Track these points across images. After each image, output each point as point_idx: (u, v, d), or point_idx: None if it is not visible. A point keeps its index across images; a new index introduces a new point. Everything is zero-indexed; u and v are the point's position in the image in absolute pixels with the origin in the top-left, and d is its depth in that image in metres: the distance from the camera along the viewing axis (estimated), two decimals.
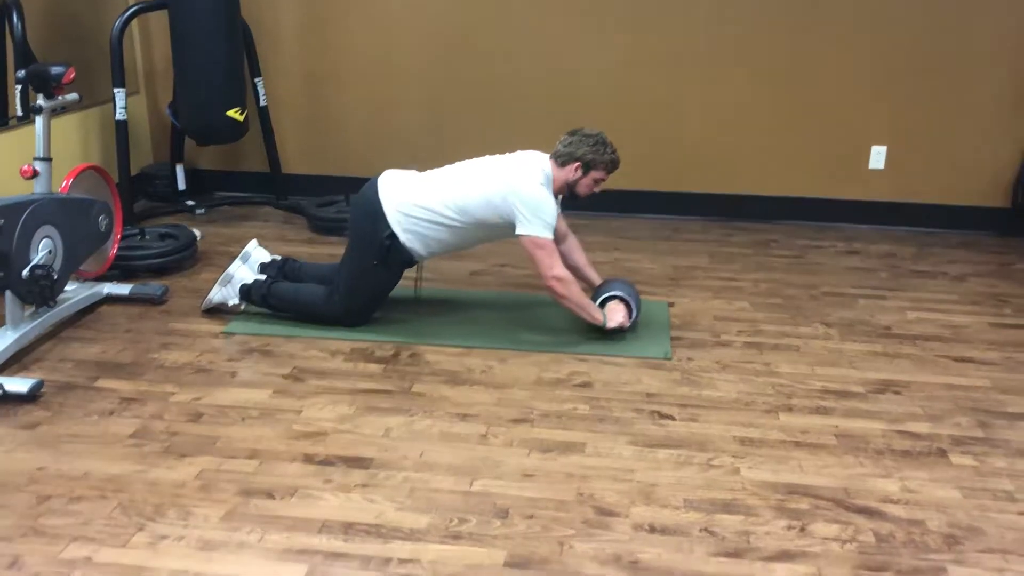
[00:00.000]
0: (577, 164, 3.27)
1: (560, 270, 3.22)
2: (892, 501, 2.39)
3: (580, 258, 3.56)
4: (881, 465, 2.56)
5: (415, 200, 3.24)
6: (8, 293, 3.07)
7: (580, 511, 2.32)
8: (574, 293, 3.25)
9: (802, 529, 2.26)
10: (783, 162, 4.82)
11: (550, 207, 3.20)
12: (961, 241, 4.65)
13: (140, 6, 4.49)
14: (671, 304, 3.71)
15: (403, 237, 3.24)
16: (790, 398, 2.94)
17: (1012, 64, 4.50)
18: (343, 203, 4.71)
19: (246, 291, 3.45)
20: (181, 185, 4.98)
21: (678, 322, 3.53)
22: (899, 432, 2.74)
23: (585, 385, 3.01)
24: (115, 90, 4.42)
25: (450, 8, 4.79)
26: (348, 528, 2.24)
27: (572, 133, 3.32)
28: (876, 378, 3.09)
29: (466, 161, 3.39)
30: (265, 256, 3.57)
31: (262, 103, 4.88)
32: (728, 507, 2.35)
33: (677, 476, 2.48)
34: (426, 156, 5.02)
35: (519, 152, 3.36)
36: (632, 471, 2.50)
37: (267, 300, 3.44)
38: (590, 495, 2.39)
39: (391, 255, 3.27)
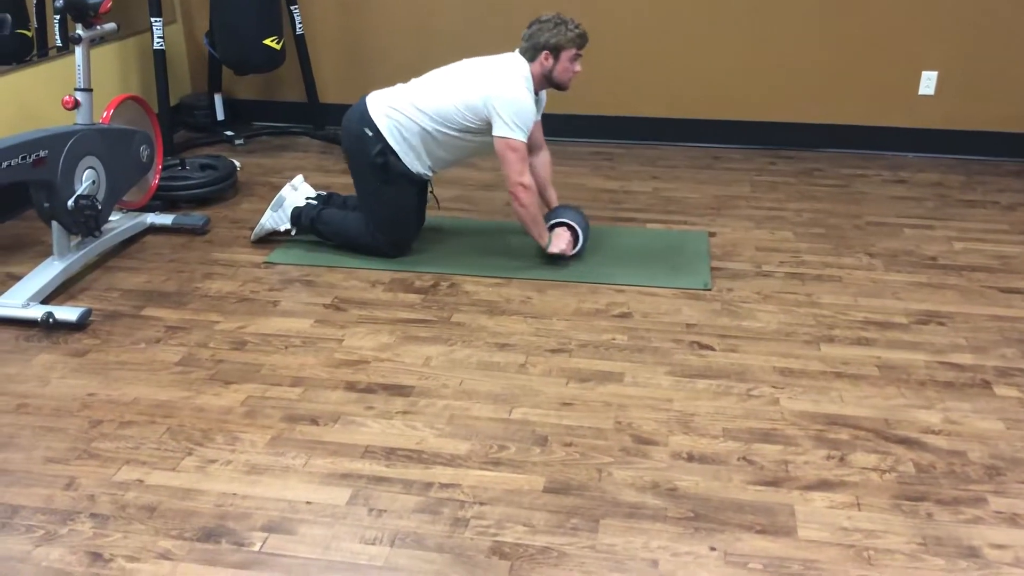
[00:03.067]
0: (545, 52, 3.20)
1: (528, 178, 3.20)
2: (933, 432, 2.37)
3: (545, 174, 3.54)
4: (923, 396, 2.54)
5: (399, 107, 3.23)
6: (54, 223, 3.12)
7: (618, 439, 2.34)
8: (533, 204, 3.25)
9: (841, 459, 2.26)
10: (828, 89, 4.69)
11: (528, 112, 3.16)
12: (1012, 169, 4.52)
13: None
14: (712, 234, 3.67)
15: (397, 149, 3.24)
16: (831, 329, 2.91)
17: None
18: None
19: (297, 214, 3.48)
20: (220, 115, 4.98)
21: (719, 252, 3.50)
22: (942, 363, 2.71)
23: (624, 316, 3.00)
24: (152, 19, 4.40)
25: None
26: (390, 453, 2.28)
27: (528, 26, 3.25)
28: (920, 309, 3.05)
29: (448, 66, 3.35)
30: (311, 191, 3.58)
31: (299, 31, 4.83)
32: (767, 437, 2.35)
33: (716, 406, 2.49)
34: None
35: (501, 54, 3.30)
36: (670, 400, 2.51)
37: (315, 224, 3.46)
38: (628, 424, 2.40)
39: (389, 172, 3.27)
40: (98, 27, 3.32)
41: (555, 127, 4.99)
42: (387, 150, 3.24)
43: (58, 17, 3.98)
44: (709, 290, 3.18)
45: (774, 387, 2.58)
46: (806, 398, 2.53)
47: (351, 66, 5.07)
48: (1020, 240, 3.63)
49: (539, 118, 3.38)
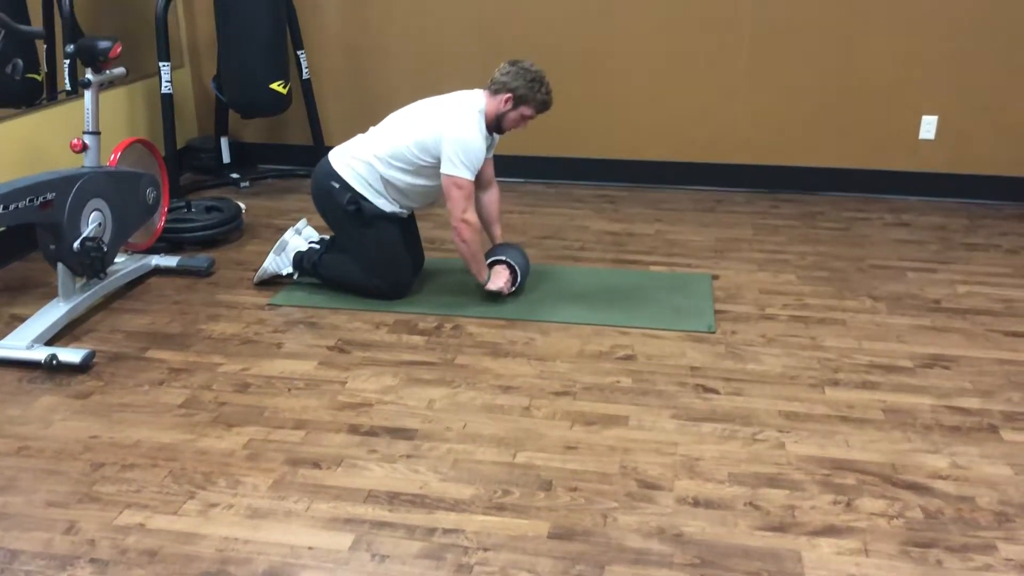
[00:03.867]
0: (509, 96, 3.25)
1: (471, 215, 3.24)
2: (941, 477, 2.35)
3: (493, 211, 3.57)
4: (929, 440, 2.52)
5: (358, 155, 3.30)
6: (60, 265, 3.13)
7: (623, 484, 2.32)
8: (475, 242, 3.29)
9: (848, 504, 2.24)
10: (830, 133, 4.73)
11: (477, 151, 3.20)
12: (1014, 213, 4.54)
13: None
14: (715, 277, 3.68)
15: (365, 193, 3.29)
16: (836, 372, 2.90)
17: None
18: None
19: (299, 259, 3.50)
20: (226, 158, 5.03)
21: (722, 295, 3.50)
22: (948, 407, 2.70)
23: (628, 358, 3.00)
24: (161, 64, 4.46)
25: None
26: (393, 498, 2.26)
27: (512, 63, 3.29)
28: (925, 352, 3.04)
29: (403, 108, 3.40)
30: (315, 235, 3.62)
31: (305, 76, 4.89)
32: (773, 481, 2.33)
33: (721, 450, 2.47)
34: None
35: (456, 92, 3.35)
36: (676, 444, 2.50)
37: (317, 269, 3.48)
38: (633, 468, 2.39)
39: (364, 215, 3.31)
40: (108, 72, 3.37)
41: (559, 170, 5.04)
42: (357, 196, 3.30)
43: (68, 61, 4.03)
44: (713, 333, 3.17)
45: (779, 431, 2.56)
46: (812, 442, 2.51)
47: (356, 110, 5.12)
48: (1023, 283, 3.63)
49: (490, 156, 3.42)
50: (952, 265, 3.83)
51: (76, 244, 3.09)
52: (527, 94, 3.24)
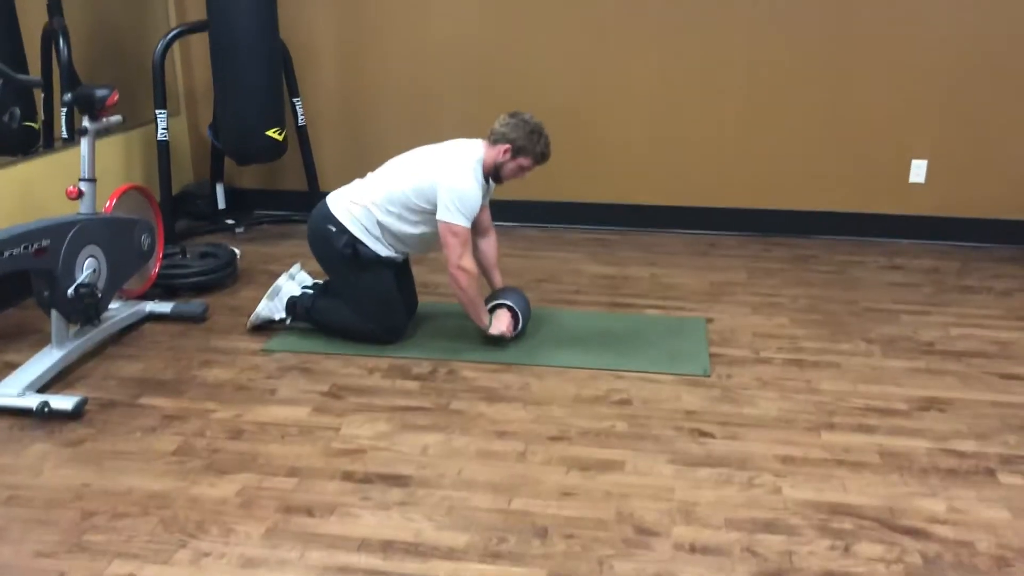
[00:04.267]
0: (507, 147, 3.27)
1: (468, 261, 3.24)
2: (939, 521, 2.34)
3: (491, 257, 3.58)
4: (927, 484, 2.51)
5: (356, 199, 3.32)
6: (54, 312, 3.13)
7: (620, 530, 2.30)
8: (472, 289, 3.29)
9: (846, 549, 2.22)
10: (822, 177, 4.77)
11: (473, 198, 3.21)
12: (1007, 255, 4.56)
13: (182, 29, 4.58)
14: (709, 320, 3.68)
15: (361, 237, 3.31)
16: (832, 416, 2.90)
17: None
18: None
19: (292, 304, 3.50)
20: (221, 204, 5.04)
21: (717, 338, 3.50)
22: (944, 450, 2.69)
23: (624, 402, 2.99)
24: (157, 111, 4.50)
25: (483, 28, 4.82)
26: (387, 546, 2.24)
27: (512, 115, 3.33)
28: (920, 395, 3.04)
29: (402, 155, 3.43)
30: (308, 279, 3.63)
31: (300, 123, 4.94)
32: (770, 526, 2.31)
33: (718, 495, 2.45)
34: None
35: (455, 140, 3.39)
36: (672, 490, 2.48)
37: (310, 314, 3.48)
38: (630, 514, 2.37)
39: (360, 259, 3.32)
40: (104, 119, 3.39)
41: (553, 214, 5.07)
42: (353, 240, 3.30)
43: (66, 109, 4.06)
44: (708, 376, 3.17)
45: (776, 475, 2.55)
46: (808, 486, 2.50)
47: (352, 156, 5.16)
48: (1017, 326, 3.64)
49: (487, 203, 3.44)
50: (945, 308, 3.84)
51: (70, 291, 3.09)
52: (526, 145, 3.28)
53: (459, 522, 2.34)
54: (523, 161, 3.31)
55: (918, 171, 4.68)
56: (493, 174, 3.33)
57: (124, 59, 4.64)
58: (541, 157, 3.34)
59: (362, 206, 3.31)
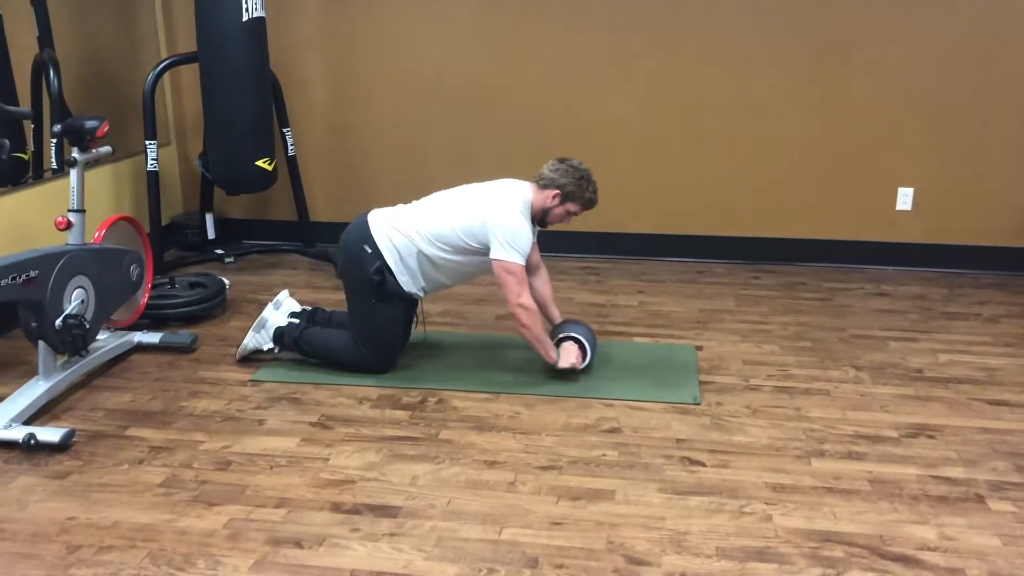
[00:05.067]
0: (556, 192, 3.30)
1: (527, 299, 3.23)
2: (929, 549, 2.33)
3: (546, 293, 3.58)
4: (917, 511, 2.51)
5: (400, 228, 3.29)
6: (41, 343, 3.11)
7: (610, 560, 2.29)
8: (536, 325, 3.27)
9: None
10: (809, 205, 4.81)
11: (526, 236, 3.22)
12: (992, 282, 4.60)
13: (172, 60, 4.60)
14: (699, 348, 3.69)
15: (394, 268, 3.28)
16: (822, 443, 2.90)
17: None
18: None
19: (279, 334, 3.49)
20: (211, 234, 5.05)
21: (706, 366, 3.50)
22: (934, 477, 2.69)
23: (614, 431, 2.98)
24: (147, 142, 4.51)
25: (473, 57, 4.86)
26: None
27: (561, 161, 3.35)
28: (909, 422, 3.05)
29: (450, 190, 3.42)
30: (295, 306, 3.61)
31: (290, 153, 4.95)
32: (761, 555, 2.31)
33: (709, 524, 2.45)
34: None
35: (501, 180, 3.40)
36: (663, 519, 2.47)
37: (299, 344, 3.47)
38: (620, 544, 2.36)
39: (384, 290, 3.30)
40: (94, 150, 3.40)
41: (542, 243, 5.07)
42: (384, 268, 3.28)
43: (55, 140, 4.07)
44: (698, 404, 3.17)
45: (767, 503, 2.55)
46: (799, 514, 2.49)
47: (342, 185, 5.18)
48: (1004, 352, 3.66)
49: (535, 240, 3.43)
50: (933, 334, 3.86)
51: (58, 322, 3.07)
52: (575, 191, 3.31)
53: (448, 553, 2.32)
54: (571, 207, 3.34)
55: (905, 199, 4.73)
56: (540, 218, 3.34)
57: (114, 90, 4.66)
58: (589, 203, 3.37)
59: (405, 235, 3.28)
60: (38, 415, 3.07)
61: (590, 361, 3.40)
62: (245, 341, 3.52)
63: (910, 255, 4.79)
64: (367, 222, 3.35)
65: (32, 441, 2.81)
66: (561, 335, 3.41)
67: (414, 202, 3.42)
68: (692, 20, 4.63)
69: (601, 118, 4.84)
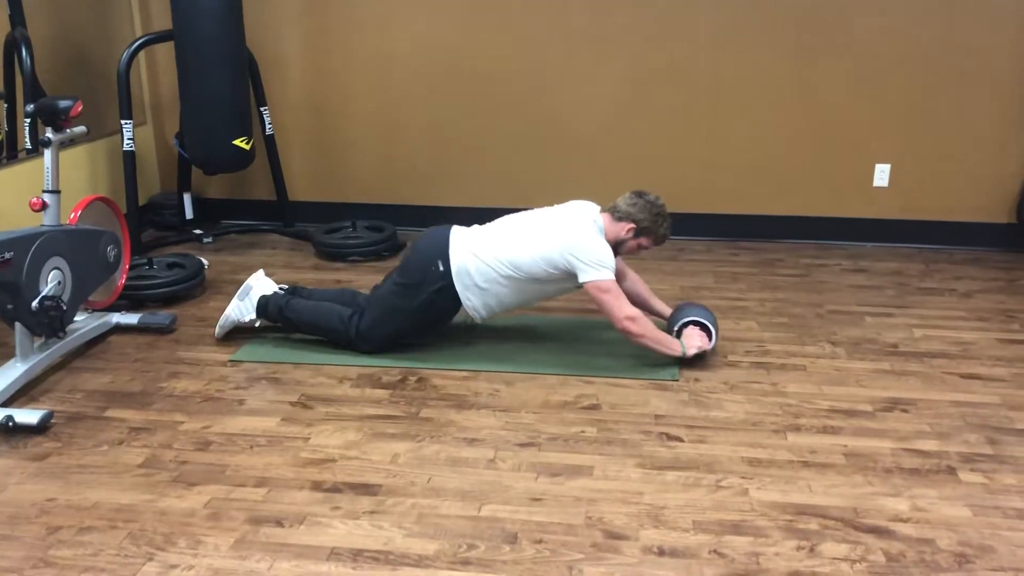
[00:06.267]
0: (632, 226, 3.31)
1: (630, 310, 3.22)
2: (902, 520, 2.38)
3: (644, 291, 3.59)
4: (890, 484, 2.55)
5: (480, 255, 3.26)
6: (18, 325, 3.10)
7: (589, 535, 2.32)
8: (648, 330, 3.25)
9: (811, 550, 2.25)
10: (786, 182, 4.83)
11: (607, 251, 3.22)
12: (967, 257, 4.65)
13: (147, 38, 4.55)
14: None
15: (459, 288, 3.26)
16: (798, 418, 2.93)
17: (1013, 80, 4.52)
18: (349, 229, 4.74)
19: (264, 304, 3.48)
20: (189, 214, 5.01)
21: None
22: (908, 450, 2.73)
23: (593, 407, 3.01)
24: (122, 121, 4.47)
25: (453, 35, 4.83)
26: (357, 555, 2.24)
27: (639, 195, 3.35)
28: (884, 396, 3.09)
29: (519, 215, 3.40)
30: (273, 286, 3.59)
31: (268, 132, 4.92)
32: (737, 528, 2.34)
33: (686, 498, 2.48)
34: (430, 183, 5.07)
35: (570, 203, 3.41)
36: (641, 494, 2.50)
37: (283, 312, 3.46)
38: (599, 518, 2.38)
39: (430, 307, 3.30)
40: (68, 131, 3.36)
41: None
42: (447, 288, 3.26)
43: (28, 121, 4.02)
44: (676, 381, 3.20)
45: (743, 477, 2.58)
46: (775, 488, 2.53)
47: (320, 164, 5.16)
48: (977, 327, 3.71)
49: None
50: (909, 310, 3.91)
51: (34, 303, 3.06)
52: (650, 227, 3.32)
53: (429, 530, 2.34)
54: (644, 241, 3.35)
55: (882, 175, 4.76)
56: (612, 248, 3.31)
57: (89, 69, 4.61)
58: (662, 239, 3.39)
59: (484, 262, 3.24)
60: (16, 397, 3.06)
61: (715, 337, 3.36)
62: (227, 311, 3.50)
63: (887, 231, 4.83)
64: (448, 239, 3.31)
65: (10, 423, 2.80)
66: (678, 324, 3.38)
67: (490, 225, 3.39)
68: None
69: (582, 97, 4.83)
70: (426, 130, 5.02)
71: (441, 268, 3.27)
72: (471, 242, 3.31)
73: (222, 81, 4.40)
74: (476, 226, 3.42)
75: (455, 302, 3.31)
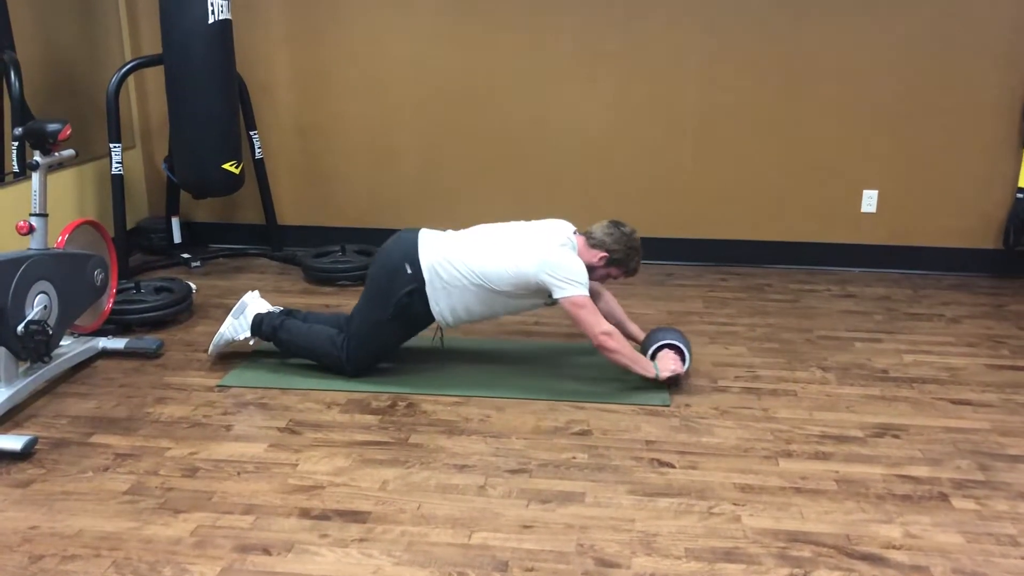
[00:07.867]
0: (605, 255, 3.31)
1: (606, 325, 3.21)
2: (895, 547, 2.36)
3: (619, 313, 3.59)
4: (882, 510, 2.54)
5: (451, 260, 3.24)
6: (2, 349, 3.06)
7: (581, 562, 2.29)
8: (624, 347, 3.24)
9: None
10: (775, 207, 4.86)
11: (582, 268, 3.21)
12: (955, 283, 4.67)
13: (137, 62, 4.55)
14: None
15: (430, 293, 3.24)
16: (789, 444, 2.93)
17: (999, 108, 4.56)
18: (338, 253, 4.73)
19: (258, 322, 3.46)
20: (177, 238, 4.99)
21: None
22: (899, 476, 2.72)
23: (583, 433, 2.99)
24: (111, 145, 4.46)
25: (442, 61, 4.85)
26: None
27: (616, 225, 3.36)
28: (874, 422, 3.09)
29: (493, 226, 3.39)
30: (269, 305, 3.57)
31: (257, 156, 4.92)
32: (729, 555, 2.32)
33: (678, 525, 2.46)
34: (420, 207, 5.07)
35: (545, 220, 3.40)
36: (632, 520, 2.48)
37: (277, 333, 3.44)
38: (590, 546, 2.36)
39: (405, 312, 3.28)
40: (57, 154, 3.35)
41: None
42: (417, 292, 3.24)
43: (16, 144, 4.01)
44: (667, 406, 3.19)
45: (735, 504, 2.56)
46: (767, 515, 2.51)
47: (309, 188, 5.15)
48: (966, 352, 3.72)
49: None
50: (898, 335, 3.92)
51: (20, 327, 3.03)
52: (622, 259, 3.34)
53: (418, 558, 2.31)
54: (614, 271, 3.37)
55: (869, 201, 4.79)
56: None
57: (78, 92, 4.60)
58: (631, 272, 3.42)
59: (455, 268, 3.22)
60: (0, 422, 3.02)
61: (689, 360, 3.35)
62: (222, 329, 3.47)
63: (875, 257, 4.86)
64: (416, 242, 3.28)
65: None
66: (653, 347, 3.37)
67: (463, 232, 3.37)
68: (660, 25, 4.66)
69: (571, 123, 4.85)
70: (415, 154, 5.02)
71: (409, 271, 3.24)
72: (443, 246, 3.28)
73: (212, 105, 4.40)
74: (449, 230, 3.40)
75: (427, 305, 3.29)
